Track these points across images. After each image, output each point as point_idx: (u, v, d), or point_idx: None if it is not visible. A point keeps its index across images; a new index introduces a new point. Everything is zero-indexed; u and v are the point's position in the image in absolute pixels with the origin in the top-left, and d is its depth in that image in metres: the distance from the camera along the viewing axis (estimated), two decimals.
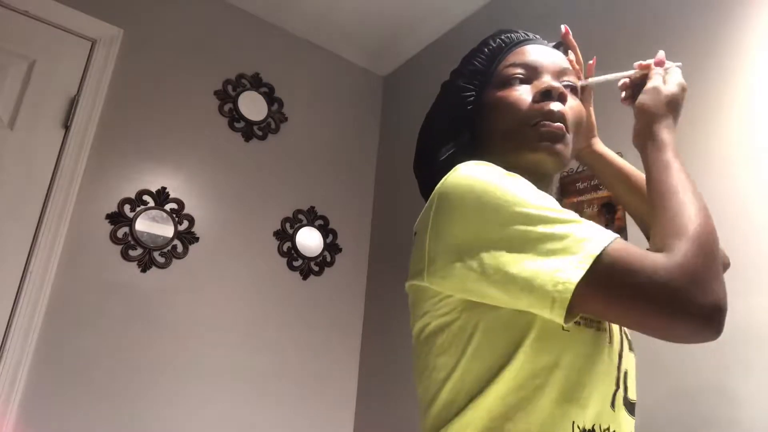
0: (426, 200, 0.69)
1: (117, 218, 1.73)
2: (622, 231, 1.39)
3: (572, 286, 0.49)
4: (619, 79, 0.82)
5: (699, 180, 1.28)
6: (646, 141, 0.69)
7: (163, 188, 1.85)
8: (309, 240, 2.13)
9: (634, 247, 0.51)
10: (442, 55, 2.29)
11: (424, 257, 0.60)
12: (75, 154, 1.69)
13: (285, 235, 2.08)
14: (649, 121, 0.70)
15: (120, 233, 1.73)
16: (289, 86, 2.26)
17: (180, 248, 1.83)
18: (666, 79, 0.75)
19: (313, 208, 2.18)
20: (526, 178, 0.63)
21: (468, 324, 0.59)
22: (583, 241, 0.51)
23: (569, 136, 0.70)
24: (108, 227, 1.72)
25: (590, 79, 0.83)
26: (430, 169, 0.74)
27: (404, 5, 2.19)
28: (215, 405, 1.75)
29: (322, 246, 2.16)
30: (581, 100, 0.77)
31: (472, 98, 0.74)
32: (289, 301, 2.00)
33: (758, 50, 1.26)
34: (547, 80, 0.70)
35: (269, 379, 1.88)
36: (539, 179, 0.69)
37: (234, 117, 2.09)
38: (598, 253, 0.50)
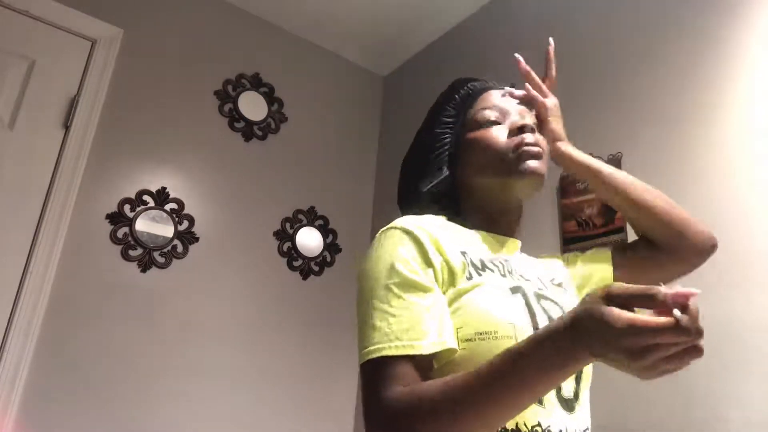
0: None
1: (117, 218, 1.73)
2: (621, 231, 1.39)
3: (365, 359, 0.63)
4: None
5: (699, 180, 1.28)
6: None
7: (163, 188, 1.85)
8: (309, 240, 2.13)
9: (392, 372, 0.61)
10: (442, 55, 2.29)
11: None
12: (75, 154, 1.69)
13: (285, 235, 2.07)
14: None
15: (120, 233, 1.73)
16: (289, 86, 2.26)
17: (180, 248, 1.83)
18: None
19: (313, 208, 2.18)
20: (499, 207, 0.81)
21: None
22: (376, 337, 0.64)
23: (545, 159, 0.79)
24: (108, 227, 1.72)
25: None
26: (414, 204, 0.86)
27: (404, 5, 2.19)
28: (215, 404, 1.75)
29: (322, 246, 2.16)
30: (544, 111, 0.90)
31: (448, 141, 0.84)
32: (289, 301, 2.00)
33: (759, 50, 1.26)
34: (517, 119, 0.81)
35: (269, 379, 1.88)
36: (508, 212, 0.83)
37: (234, 117, 2.09)
38: (371, 358, 0.62)
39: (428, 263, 0.68)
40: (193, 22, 2.08)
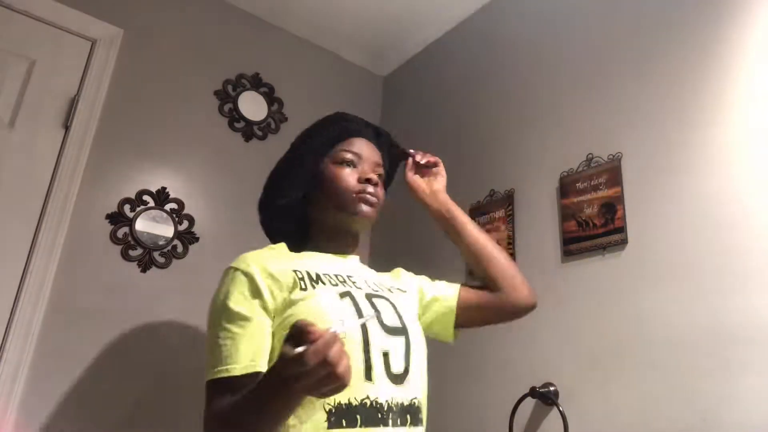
0: (266, 234, 1.16)
1: (117, 218, 1.73)
2: (621, 231, 1.40)
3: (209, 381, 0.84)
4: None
5: (699, 180, 1.28)
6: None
7: (163, 188, 1.85)
8: None
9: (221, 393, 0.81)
10: (442, 55, 2.29)
11: None
12: (75, 154, 1.69)
13: None
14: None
15: (120, 233, 1.73)
16: (289, 86, 2.26)
17: (180, 248, 1.83)
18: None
19: None
20: (338, 231, 1.05)
21: None
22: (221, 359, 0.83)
23: (377, 208, 1.04)
24: (108, 227, 1.72)
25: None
26: (268, 213, 1.13)
27: (404, 5, 2.19)
28: None
29: None
30: (423, 173, 1.19)
31: (310, 165, 1.05)
32: None
33: (759, 50, 1.26)
34: (367, 170, 1.04)
35: None
36: (346, 236, 1.06)
37: (234, 117, 2.09)
38: (214, 378, 0.82)
39: (256, 294, 0.87)
40: (193, 22, 2.08)
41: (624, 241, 1.39)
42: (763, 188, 1.17)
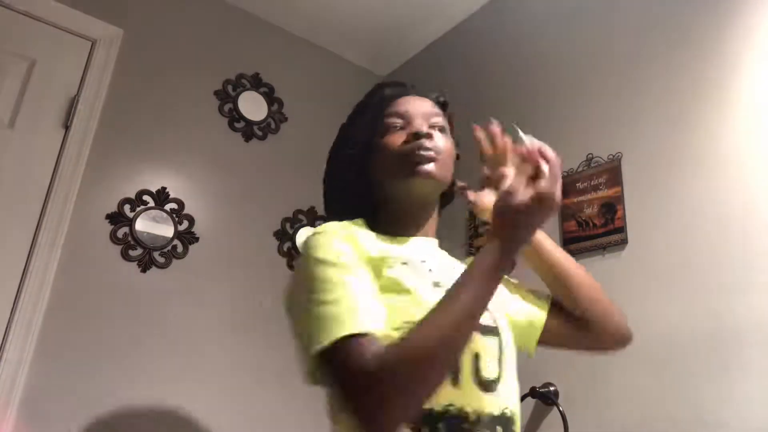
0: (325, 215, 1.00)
1: (117, 218, 1.73)
2: (621, 231, 1.40)
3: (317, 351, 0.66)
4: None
5: (699, 180, 1.28)
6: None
7: (163, 188, 1.85)
8: None
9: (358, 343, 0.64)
10: (442, 55, 2.29)
11: None
12: (75, 154, 1.69)
13: (285, 235, 2.07)
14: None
15: (120, 233, 1.73)
16: (289, 86, 2.26)
17: (180, 248, 1.83)
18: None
19: (313, 208, 2.17)
20: (406, 207, 0.89)
21: None
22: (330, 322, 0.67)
23: (441, 161, 0.86)
24: (108, 227, 1.72)
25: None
26: (334, 201, 0.99)
27: (404, 5, 2.19)
28: (216, 404, 1.75)
29: None
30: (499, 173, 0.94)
31: (362, 144, 0.92)
32: None
33: (759, 50, 1.26)
34: (417, 124, 0.88)
35: (269, 379, 1.87)
36: (417, 211, 0.90)
37: (234, 117, 2.09)
38: (333, 339, 0.64)
39: (357, 252, 0.75)
40: (193, 22, 2.08)
41: (624, 241, 1.39)
42: (763, 188, 1.17)
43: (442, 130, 0.91)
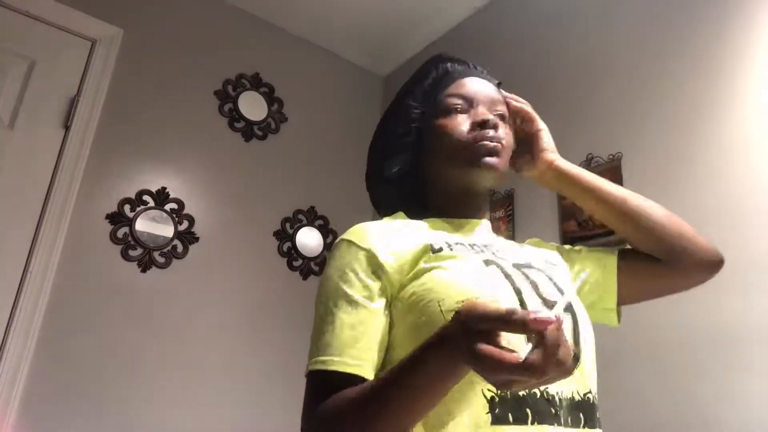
0: (377, 211, 0.95)
1: (117, 218, 1.73)
2: None
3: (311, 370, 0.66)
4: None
5: (698, 180, 1.28)
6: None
7: (163, 188, 1.85)
8: (309, 240, 2.13)
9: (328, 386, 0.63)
10: None
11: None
12: (75, 154, 1.69)
13: (285, 235, 2.08)
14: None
15: (120, 233, 1.73)
16: (289, 86, 2.26)
17: (180, 248, 1.83)
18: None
19: (313, 208, 2.17)
20: (460, 196, 0.83)
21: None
22: (324, 347, 0.66)
23: (504, 155, 0.81)
24: (108, 227, 1.72)
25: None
26: (377, 184, 0.94)
27: (404, 5, 2.19)
28: (216, 404, 1.75)
29: (322, 246, 2.16)
30: (531, 127, 0.92)
31: (418, 120, 0.86)
32: (289, 301, 2.00)
33: (759, 50, 1.26)
34: (482, 111, 0.82)
35: (270, 379, 1.88)
36: (472, 197, 0.84)
37: (234, 117, 2.09)
38: (316, 369, 0.65)
39: (375, 274, 0.70)
40: (193, 22, 2.08)
41: (624, 241, 1.38)
42: (763, 188, 1.17)
43: (503, 118, 0.85)
